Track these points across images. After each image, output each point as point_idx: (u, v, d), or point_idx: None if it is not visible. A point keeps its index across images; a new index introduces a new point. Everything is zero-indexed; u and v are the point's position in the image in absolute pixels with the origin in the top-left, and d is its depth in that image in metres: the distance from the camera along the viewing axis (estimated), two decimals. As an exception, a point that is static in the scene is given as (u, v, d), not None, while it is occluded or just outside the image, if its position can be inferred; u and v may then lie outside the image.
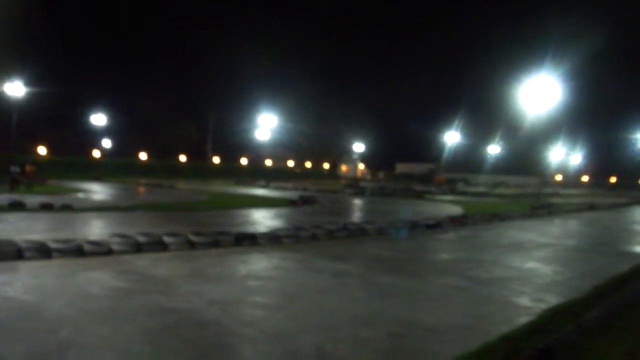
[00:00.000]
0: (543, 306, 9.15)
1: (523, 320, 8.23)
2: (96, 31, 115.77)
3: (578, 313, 8.26)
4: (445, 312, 8.71)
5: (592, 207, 37.15)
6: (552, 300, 9.65)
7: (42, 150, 74.02)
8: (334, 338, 7.07)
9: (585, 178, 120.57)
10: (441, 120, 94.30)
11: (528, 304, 9.41)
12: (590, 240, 19.95)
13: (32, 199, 22.45)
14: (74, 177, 48.19)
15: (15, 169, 30.21)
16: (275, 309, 8.56)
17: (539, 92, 41.39)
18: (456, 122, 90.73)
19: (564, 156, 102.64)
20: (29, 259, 10.98)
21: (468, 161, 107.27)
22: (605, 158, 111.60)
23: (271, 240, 15.01)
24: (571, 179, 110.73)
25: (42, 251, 11.29)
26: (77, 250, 11.72)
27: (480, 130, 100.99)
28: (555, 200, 45.54)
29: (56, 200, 22.72)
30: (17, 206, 19.76)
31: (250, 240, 14.66)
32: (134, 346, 6.47)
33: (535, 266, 13.42)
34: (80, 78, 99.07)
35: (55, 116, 79.52)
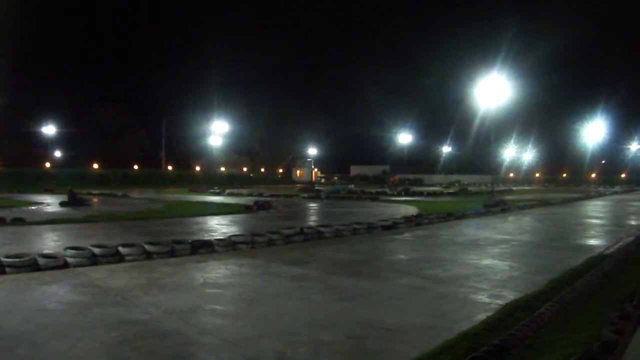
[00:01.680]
0: (501, 302, 9.26)
1: (482, 316, 8.33)
2: (45, 39, 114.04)
3: (535, 307, 8.39)
4: (405, 312, 8.77)
5: (545, 203, 37.77)
6: (509, 295, 9.78)
7: (-10, 162, 72.61)
8: (295, 342, 7.06)
9: (537, 174, 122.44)
10: (394, 122, 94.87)
11: (486, 301, 9.52)
12: (545, 236, 20.28)
13: (-18, 214, 22.03)
14: (25, 190, 47.34)
15: None
16: (235, 316, 8.53)
17: (490, 92, 42.03)
18: (409, 123, 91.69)
19: (516, 154, 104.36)
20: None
21: (422, 161, 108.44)
22: (556, 154, 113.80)
23: (228, 247, 14.97)
24: (524, 176, 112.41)
25: (-5, 267, 11.08)
26: (31, 265, 11.51)
27: (433, 131, 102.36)
28: (508, 197, 46.20)
29: (7, 213, 22.34)
30: (-33, 221, 19.34)
31: (207, 248, 14.59)
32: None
33: (492, 263, 13.58)
34: (29, 88, 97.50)
35: (4, 127, 78.09)
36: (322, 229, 18.38)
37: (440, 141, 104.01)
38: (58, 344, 6.88)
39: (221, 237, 15.97)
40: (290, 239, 16.75)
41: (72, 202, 32.98)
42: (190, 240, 14.85)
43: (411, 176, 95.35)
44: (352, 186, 66.58)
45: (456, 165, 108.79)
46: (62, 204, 33.09)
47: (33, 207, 30.64)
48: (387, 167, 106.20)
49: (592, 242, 17.79)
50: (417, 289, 10.52)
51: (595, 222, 25.58)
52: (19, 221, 20.37)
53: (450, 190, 63.64)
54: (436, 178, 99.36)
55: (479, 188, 70.05)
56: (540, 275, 11.60)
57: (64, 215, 25.60)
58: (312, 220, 26.66)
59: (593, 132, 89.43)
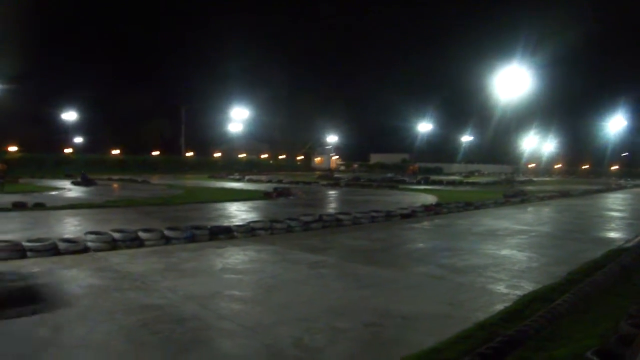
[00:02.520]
0: (519, 293, 9.24)
1: (499, 307, 8.31)
2: (67, 27, 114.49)
3: (553, 299, 8.36)
4: (422, 300, 8.77)
5: (564, 194, 37.48)
6: (527, 286, 9.75)
7: (12, 148, 73.07)
8: (312, 329, 7.09)
9: (557, 166, 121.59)
10: (415, 111, 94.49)
11: (504, 291, 9.50)
12: (564, 227, 20.13)
13: (4, 199, 22.24)
14: (45, 175, 47.69)
15: None
16: (253, 302, 8.57)
17: (511, 82, 41.79)
18: (430, 112, 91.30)
19: (537, 144, 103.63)
20: (3, 259, 10.87)
21: (442, 150, 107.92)
22: (577, 146, 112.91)
23: (246, 233, 15.04)
24: (544, 167, 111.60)
25: (17, 251, 11.19)
26: (52, 249, 11.63)
27: (453, 120, 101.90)
28: (528, 187, 45.91)
29: (29, 198, 22.54)
30: (-12, 206, 19.52)
31: (226, 234, 14.67)
32: (112, 344, 6.44)
33: (510, 253, 13.54)
34: (51, 74, 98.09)
35: (26, 113, 78.64)
36: (340, 216, 18.40)
37: (460, 130, 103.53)
38: (78, 327, 6.97)
39: (240, 223, 16.03)
40: (308, 226, 16.79)
41: (83, 182, 37.83)
42: (209, 226, 14.92)
43: (431, 165, 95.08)
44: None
45: (476, 155, 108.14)
46: (73, 182, 38.49)
47: (54, 192, 30.84)
48: (406, 156, 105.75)
49: (612, 234, 17.67)
50: (434, 278, 10.51)
51: (615, 215, 25.36)
52: (39, 206, 20.53)
53: (470, 179, 63.22)
54: (456, 167, 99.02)
55: (498, 178, 69.68)
56: (559, 266, 11.54)
57: (84, 200, 25.79)
58: (331, 207, 26.66)
59: (614, 124, 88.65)
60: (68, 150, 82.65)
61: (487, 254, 13.38)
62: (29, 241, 11.60)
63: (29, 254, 11.26)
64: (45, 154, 67.13)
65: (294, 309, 8.11)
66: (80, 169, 54.49)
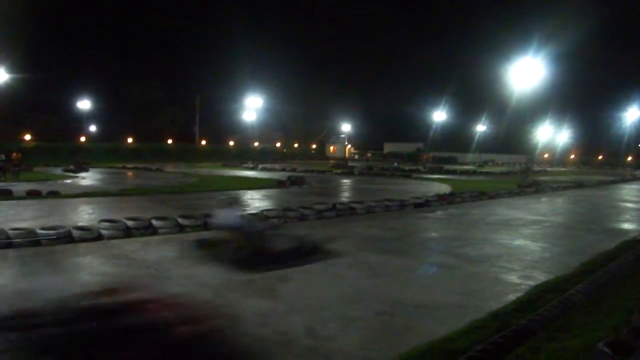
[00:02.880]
0: (531, 283, 9.24)
1: (512, 297, 8.32)
2: (80, 15, 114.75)
3: (566, 290, 8.34)
4: (434, 290, 8.78)
5: (579, 185, 37.29)
6: (540, 277, 9.74)
7: (27, 137, 73.39)
8: (324, 318, 7.12)
9: (572, 156, 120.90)
10: (429, 100, 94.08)
11: (517, 281, 9.50)
12: (578, 218, 20.03)
13: (19, 187, 22.34)
14: (60, 164, 47.91)
15: (1, 156, 29.96)
16: (265, 290, 8.60)
17: (526, 72, 41.59)
18: (444, 101, 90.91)
19: (552, 134, 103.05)
20: (18, 247, 10.95)
21: (456, 140, 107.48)
22: (592, 136, 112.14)
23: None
24: (558, 157, 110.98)
25: (31, 239, 11.27)
26: (66, 237, 11.70)
27: (468, 110, 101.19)
28: (542, 178, 45.69)
29: (43, 187, 22.65)
30: (4, 194, 19.60)
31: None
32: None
33: (524, 243, 13.52)
34: (65, 63, 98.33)
35: (40, 102, 78.93)
36: (354, 205, 18.41)
37: (474, 120, 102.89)
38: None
39: (253, 212, 16.06)
40: (322, 215, 16.81)
41: (75, 169, 39.15)
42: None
43: (445, 154, 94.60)
44: (396, 164, 66.56)
45: (490, 145, 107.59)
46: (65, 170, 39.88)
47: (68, 181, 30.94)
48: (420, 145, 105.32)
49: (626, 226, 17.58)
50: (448, 267, 10.51)
51: (630, 206, 25.19)
52: (54, 194, 20.62)
53: (484, 169, 62.84)
54: (470, 157, 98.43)
55: (512, 168, 69.33)
56: (572, 257, 11.52)
57: (99, 188, 25.89)
58: (345, 196, 26.63)
59: (630, 114, 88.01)
60: (83, 139, 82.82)
61: (501, 243, 13.36)
62: (43, 229, 11.68)
63: (43, 241, 11.33)
64: (60, 143, 67.20)
65: (306, 297, 8.14)
66: (96, 158, 54.90)
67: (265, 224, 12.10)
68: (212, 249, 10.49)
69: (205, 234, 12.98)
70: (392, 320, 7.16)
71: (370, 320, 7.14)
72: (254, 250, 10.18)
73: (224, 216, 10.86)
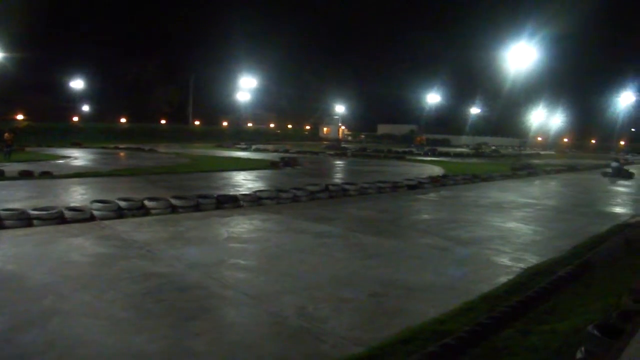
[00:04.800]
0: (522, 265, 9.27)
1: (503, 279, 8.36)
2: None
3: (556, 272, 8.38)
4: (426, 271, 8.80)
5: (571, 168, 37.36)
6: (531, 259, 9.77)
7: (19, 117, 73.07)
8: (316, 299, 7.14)
9: (565, 140, 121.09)
10: (423, 82, 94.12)
11: (508, 263, 9.53)
12: (570, 201, 20.09)
13: (11, 167, 22.29)
14: (53, 144, 47.72)
15: None
16: (257, 271, 8.62)
17: (520, 55, 41.58)
18: (438, 84, 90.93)
19: (545, 118, 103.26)
20: (10, 227, 10.93)
21: (450, 122, 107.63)
22: (585, 120, 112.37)
23: (253, 202, 15.09)
24: (552, 141, 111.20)
25: (23, 219, 11.24)
26: (58, 217, 11.68)
27: (462, 92, 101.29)
28: (535, 161, 45.75)
29: (36, 167, 22.56)
30: (-4, 174, 19.54)
31: (232, 203, 14.72)
32: (117, 312, 6.49)
33: (516, 226, 13.56)
34: (58, 42, 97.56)
35: (33, 82, 78.55)
36: (347, 186, 18.44)
37: (468, 103, 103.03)
38: (83, 295, 7.02)
39: (246, 193, 16.08)
40: (315, 196, 16.84)
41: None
42: (215, 195, 14.96)
43: (438, 136, 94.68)
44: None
45: (484, 127, 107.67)
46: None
47: (60, 161, 30.81)
48: (414, 127, 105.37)
49: (618, 209, 17.64)
50: (439, 249, 10.54)
51: (621, 190, 25.25)
52: (46, 174, 20.56)
53: (477, 152, 62.89)
54: (463, 139, 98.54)
55: (506, 151, 69.44)
56: (564, 240, 11.57)
57: (91, 168, 25.82)
58: (338, 177, 26.59)
59: (623, 99, 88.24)
60: (75, 119, 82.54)
61: (493, 226, 13.41)
62: (35, 209, 11.65)
63: (35, 222, 11.32)
64: (52, 123, 66.92)
65: (298, 278, 8.17)
66: (87, 138, 54.69)
67: None
68: None
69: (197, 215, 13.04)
70: (384, 302, 7.18)
71: (362, 301, 7.16)
72: None
73: None
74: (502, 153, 63.61)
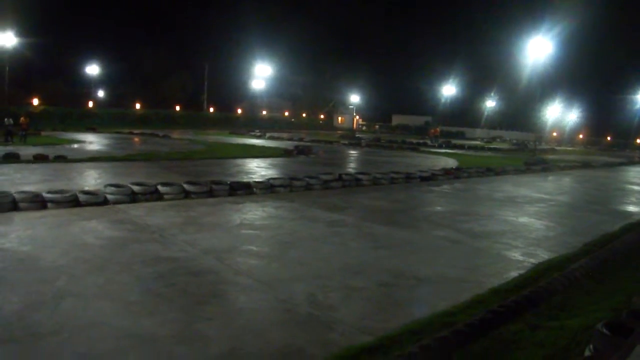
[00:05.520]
0: (534, 261, 9.25)
1: (514, 274, 8.34)
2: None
3: (568, 269, 8.35)
4: (437, 263, 8.80)
5: (586, 165, 37.12)
6: (543, 255, 9.75)
7: (35, 101, 73.30)
8: (326, 287, 7.16)
9: (580, 136, 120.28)
10: (439, 74, 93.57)
11: (519, 258, 9.51)
12: (583, 198, 20.00)
13: (26, 151, 22.37)
14: (68, 128, 47.84)
15: (9, 120, 29.94)
16: (269, 258, 8.66)
17: (537, 49, 41.30)
18: (454, 76, 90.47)
19: (561, 113, 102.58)
20: (24, 210, 11.01)
21: (465, 115, 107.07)
22: (601, 117, 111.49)
23: (266, 189, 15.12)
24: (567, 136, 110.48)
25: (37, 202, 11.32)
26: (72, 201, 11.75)
27: (478, 85, 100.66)
28: (550, 156, 45.51)
29: (50, 151, 22.68)
30: (11, 158, 19.64)
31: (245, 190, 14.76)
32: (129, 295, 6.54)
33: (528, 221, 13.51)
34: (74, 28, 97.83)
35: (49, 67, 78.80)
36: (360, 176, 18.45)
37: (484, 96, 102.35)
38: (95, 278, 7.07)
39: (259, 180, 16.08)
40: (328, 185, 16.86)
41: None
42: (228, 182, 15.01)
43: (453, 129, 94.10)
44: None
45: (499, 121, 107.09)
46: None
47: (75, 145, 30.91)
48: (429, 119, 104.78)
49: (631, 208, 17.50)
50: (451, 242, 10.53)
51: (636, 189, 25.08)
52: (61, 158, 20.64)
53: (492, 145, 62.45)
54: (478, 132, 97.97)
55: (512, 145, 69.02)
56: (576, 237, 11.52)
57: (105, 153, 25.94)
58: (351, 167, 26.58)
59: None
60: (91, 105, 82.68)
61: (505, 220, 13.37)
62: (49, 192, 11.71)
63: (49, 205, 11.39)
64: (68, 108, 67.00)
65: (309, 266, 8.19)
66: (102, 123, 54.84)
67: None
68: None
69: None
70: (393, 292, 7.19)
71: (372, 291, 7.17)
72: None
73: None
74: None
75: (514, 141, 76.84)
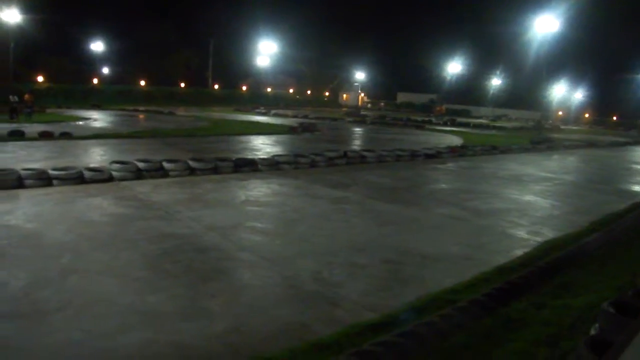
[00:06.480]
0: (539, 239, 9.23)
1: (519, 252, 8.34)
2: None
3: (573, 247, 8.34)
4: (442, 241, 8.80)
5: (592, 144, 36.99)
6: (548, 233, 9.73)
7: (40, 78, 73.21)
8: (331, 264, 7.17)
9: (586, 115, 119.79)
10: (444, 51, 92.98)
11: (525, 236, 9.50)
12: (589, 177, 19.93)
13: (31, 128, 22.38)
14: (73, 105, 47.79)
15: (14, 98, 29.89)
16: (274, 235, 8.68)
17: (543, 27, 41.08)
18: (459, 53, 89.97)
19: (567, 92, 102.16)
20: (30, 187, 11.01)
21: (470, 93, 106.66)
22: (607, 96, 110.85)
23: (270, 166, 15.13)
24: (572, 116, 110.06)
25: (43, 179, 11.32)
26: (77, 178, 11.75)
27: (483, 63, 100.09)
28: (555, 135, 45.37)
29: (56, 128, 22.68)
30: (16, 135, 19.60)
31: (250, 167, 14.76)
32: (134, 271, 6.55)
33: (533, 199, 13.50)
34: (78, 3, 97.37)
35: (53, 44, 78.49)
36: (365, 153, 18.44)
37: (490, 74, 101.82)
38: (100, 255, 7.08)
39: (264, 157, 16.08)
40: (333, 162, 16.87)
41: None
42: (233, 158, 15.01)
43: (458, 107, 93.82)
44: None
45: (504, 99, 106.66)
46: None
47: (80, 122, 30.87)
48: (434, 96, 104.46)
49: (637, 188, 17.47)
50: (456, 219, 10.53)
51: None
52: (66, 135, 20.62)
53: (497, 124, 62.21)
54: (483, 110, 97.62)
55: (525, 124, 68.81)
56: (581, 216, 11.50)
57: (110, 130, 25.92)
58: (356, 144, 26.56)
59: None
60: (95, 82, 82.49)
61: (510, 198, 13.36)
62: (54, 169, 11.71)
63: (54, 182, 11.39)
64: (72, 85, 66.86)
65: (314, 243, 8.20)
66: (106, 100, 54.78)
67: None
68: None
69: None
70: (399, 270, 7.18)
71: (377, 268, 7.17)
72: None
73: None
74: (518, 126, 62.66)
75: (531, 122, 76.32)
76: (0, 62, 42.76)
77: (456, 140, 30.12)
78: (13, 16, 42.64)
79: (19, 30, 46.70)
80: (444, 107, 79.68)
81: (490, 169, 19.09)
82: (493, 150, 24.62)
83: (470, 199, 12.81)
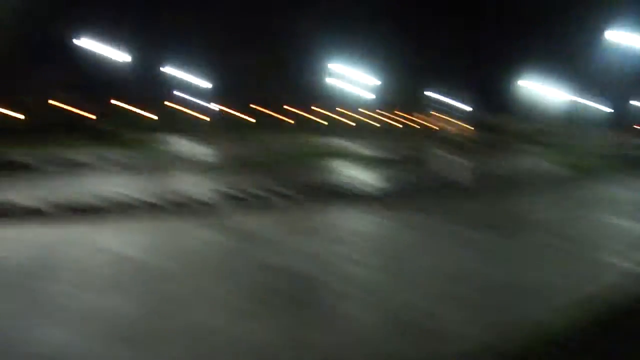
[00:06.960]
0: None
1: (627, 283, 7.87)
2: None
3: None
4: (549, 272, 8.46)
5: None
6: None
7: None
8: (432, 295, 7.12)
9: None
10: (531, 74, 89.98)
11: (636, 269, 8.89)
12: None
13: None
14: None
15: None
16: (377, 268, 8.59)
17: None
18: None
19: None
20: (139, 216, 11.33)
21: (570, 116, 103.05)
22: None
23: (372, 198, 14.90)
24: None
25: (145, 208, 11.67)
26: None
27: (574, 84, 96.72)
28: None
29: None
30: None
31: (352, 198, 14.62)
32: (236, 302, 6.66)
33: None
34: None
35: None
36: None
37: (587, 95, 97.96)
38: (203, 283, 7.28)
39: (367, 189, 15.83)
40: (439, 193, 16.37)
41: None
42: (340, 190, 15.11)
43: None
44: None
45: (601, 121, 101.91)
46: None
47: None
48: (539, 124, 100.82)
49: None
50: (558, 249, 10.05)
51: None
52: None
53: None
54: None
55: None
56: None
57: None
58: (458, 175, 25.59)
59: None
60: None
61: (620, 226, 12.53)
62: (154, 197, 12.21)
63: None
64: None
65: (418, 276, 8.12)
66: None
67: None
68: None
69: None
70: (503, 302, 7.03)
71: (478, 299, 7.04)
72: None
73: None
74: None
75: None
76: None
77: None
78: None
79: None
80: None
81: (592, 195, 18.02)
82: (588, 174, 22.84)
83: (570, 227, 12.16)
